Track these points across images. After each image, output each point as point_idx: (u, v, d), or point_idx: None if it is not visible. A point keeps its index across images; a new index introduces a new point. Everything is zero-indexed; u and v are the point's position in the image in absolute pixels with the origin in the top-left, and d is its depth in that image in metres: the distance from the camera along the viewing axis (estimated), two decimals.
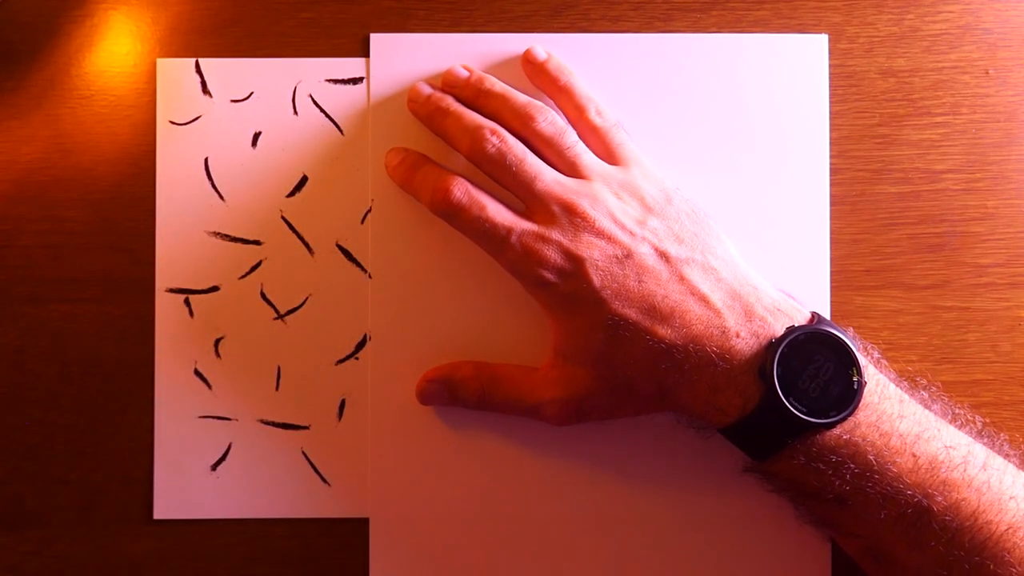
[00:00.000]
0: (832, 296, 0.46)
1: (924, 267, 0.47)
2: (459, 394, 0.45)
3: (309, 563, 0.46)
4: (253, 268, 0.46)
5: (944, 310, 0.47)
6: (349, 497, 0.46)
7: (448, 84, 0.46)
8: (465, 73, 0.45)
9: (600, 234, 0.41)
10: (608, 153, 0.44)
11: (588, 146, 0.44)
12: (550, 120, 0.43)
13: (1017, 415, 0.47)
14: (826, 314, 0.46)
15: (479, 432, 0.46)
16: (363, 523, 0.46)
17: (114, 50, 0.47)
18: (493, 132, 0.43)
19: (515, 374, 0.44)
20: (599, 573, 0.46)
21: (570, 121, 0.45)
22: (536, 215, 0.42)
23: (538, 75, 0.46)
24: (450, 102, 0.45)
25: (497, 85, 0.45)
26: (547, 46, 0.46)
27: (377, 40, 0.47)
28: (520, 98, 0.44)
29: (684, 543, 0.46)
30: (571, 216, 0.41)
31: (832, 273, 0.46)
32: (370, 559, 0.46)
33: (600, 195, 0.42)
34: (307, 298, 0.46)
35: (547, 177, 0.42)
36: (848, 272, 0.47)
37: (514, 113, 0.44)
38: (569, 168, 0.43)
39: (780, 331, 0.40)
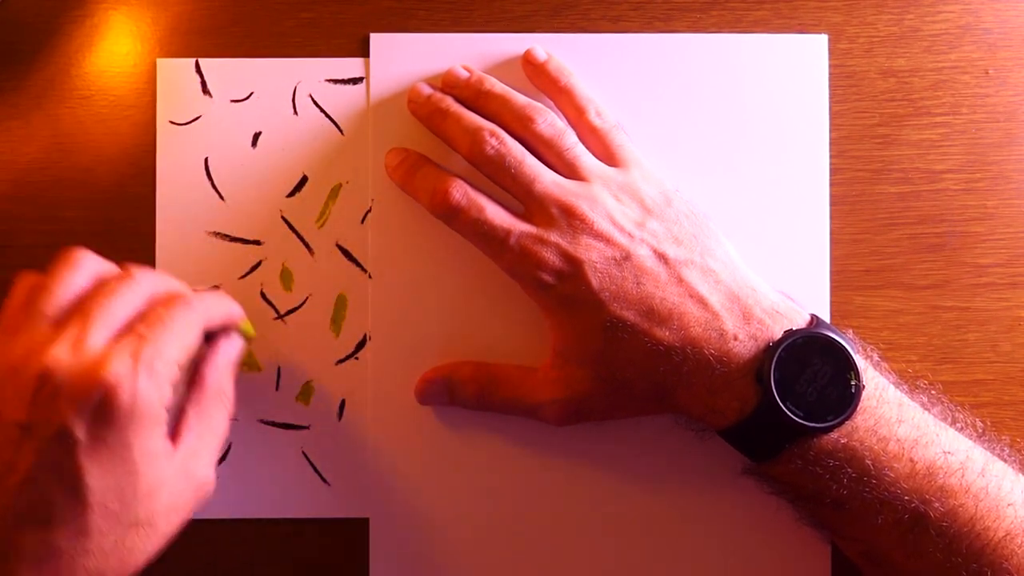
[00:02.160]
0: (832, 296, 0.46)
1: (924, 267, 0.47)
2: (459, 394, 0.45)
3: (309, 563, 0.46)
4: (253, 268, 0.46)
5: (944, 310, 0.47)
6: (349, 497, 0.46)
7: (448, 84, 0.46)
8: (465, 74, 0.45)
9: (599, 236, 0.41)
10: (608, 154, 0.44)
11: (587, 147, 0.44)
12: (549, 122, 0.43)
13: (1017, 415, 0.47)
14: (826, 314, 0.46)
15: (479, 432, 0.46)
16: (363, 523, 0.46)
17: (114, 50, 0.47)
18: (492, 134, 0.43)
19: (514, 374, 0.44)
20: (599, 573, 0.46)
21: (570, 122, 0.45)
22: (535, 217, 0.42)
23: (538, 76, 0.46)
24: (450, 103, 0.45)
25: (497, 86, 0.45)
26: (547, 46, 0.46)
27: (377, 40, 0.47)
28: (520, 99, 0.44)
29: (684, 543, 0.46)
30: (570, 218, 0.41)
31: (832, 273, 0.46)
32: (370, 559, 0.46)
33: (599, 197, 0.42)
34: (307, 298, 0.46)
35: (546, 179, 0.42)
36: (848, 272, 0.47)
37: (513, 114, 0.44)
38: (568, 170, 0.43)
39: (778, 334, 0.40)
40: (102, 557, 0.36)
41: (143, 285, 0.38)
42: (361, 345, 0.46)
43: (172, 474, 0.37)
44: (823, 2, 0.47)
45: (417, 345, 0.46)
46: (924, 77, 0.47)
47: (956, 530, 0.39)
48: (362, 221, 0.47)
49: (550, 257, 0.41)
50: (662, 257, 0.41)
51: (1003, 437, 0.43)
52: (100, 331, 0.36)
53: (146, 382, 0.35)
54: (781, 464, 0.40)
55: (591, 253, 0.41)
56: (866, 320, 0.47)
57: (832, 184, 0.47)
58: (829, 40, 0.47)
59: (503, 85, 0.45)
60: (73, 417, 0.34)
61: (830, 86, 0.47)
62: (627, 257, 0.41)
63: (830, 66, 0.47)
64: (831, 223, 0.47)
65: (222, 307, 0.41)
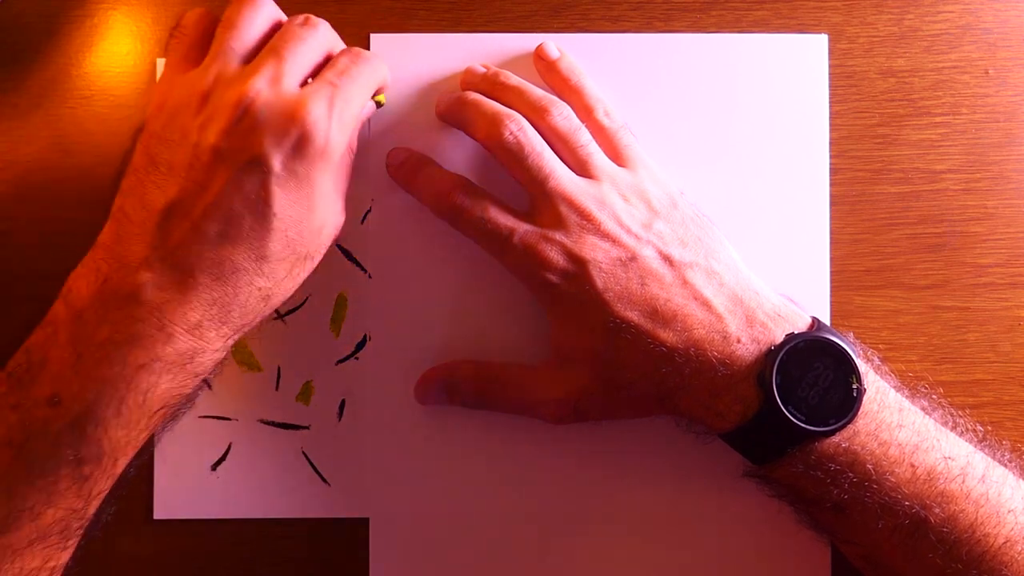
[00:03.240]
0: (832, 296, 0.46)
1: (924, 267, 0.47)
2: (458, 393, 0.45)
3: (309, 563, 0.46)
4: None
5: (944, 310, 0.47)
6: (349, 497, 0.46)
7: (466, 82, 0.46)
8: (482, 70, 0.45)
9: (605, 236, 0.41)
10: (615, 154, 0.44)
11: None
12: (565, 115, 0.43)
13: (1017, 415, 0.47)
14: (826, 314, 0.46)
15: (479, 432, 0.46)
16: (363, 523, 0.46)
17: (114, 50, 0.47)
18: (513, 120, 0.42)
19: (514, 373, 0.44)
20: (598, 573, 0.46)
21: None
22: (541, 213, 0.42)
23: (549, 72, 0.46)
24: (470, 93, 0.45)
25: (513, 78, 0.45)
26: None
27: (377, 40, 0.47)
28: (535, 92, 0.44)
29: (684, 544, 0.46)
30: (577, 217, 0.41)
31: (832, 273, 0.46)
32: (370, 559, 0.46)
33: (608, 197, 0.42)
34: (307, 298, 0.46)
35: (561, 176, 0.42)
36: (848, 272, 0.47)
37: (529, 106, 0.43)
38: (580, 166, 0.43)
39: (780, 338, 0.40)
40: (274, 281, 0.39)
41: (323, 34, 0.41)
42: (361, 345, 0.46)
43: (331, 214, 0.41)
44: (823, 2, 0.47)
45: (417, 345, 0.46)
46: (924, 77, 0.47)
47: (956, 536, 0.39)
48: (362, 221, 0.47)
49: (555, 256, 0.41)
50: (667, 259, 0.41)
51: (1004, 442, 0.43)
52: (294, 73, 0.39)
53: (337, 128, 0.39)
54: (782, 467, 0.40)
55: (596, 253, 0.41)
56: (866, 320, 0.47)
57: (832, 184, 0.47)
58: (829, 40, 0.47)
59: (519, 78, 0.45)
60: (271, 148, 0.37)
61: (830, 86, 0.47)
62: (633, 258, 0.41)
63: (830, 66, 0.47)
64: (831, 223, 0.47)
65: (385, 71, 0.43)
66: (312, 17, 0.41)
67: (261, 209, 0.37)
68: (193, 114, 0.38)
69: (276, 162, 0.37)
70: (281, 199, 0.38)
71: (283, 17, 0.42)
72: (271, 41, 0.40)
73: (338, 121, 0.39)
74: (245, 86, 0.38)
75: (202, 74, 0.39)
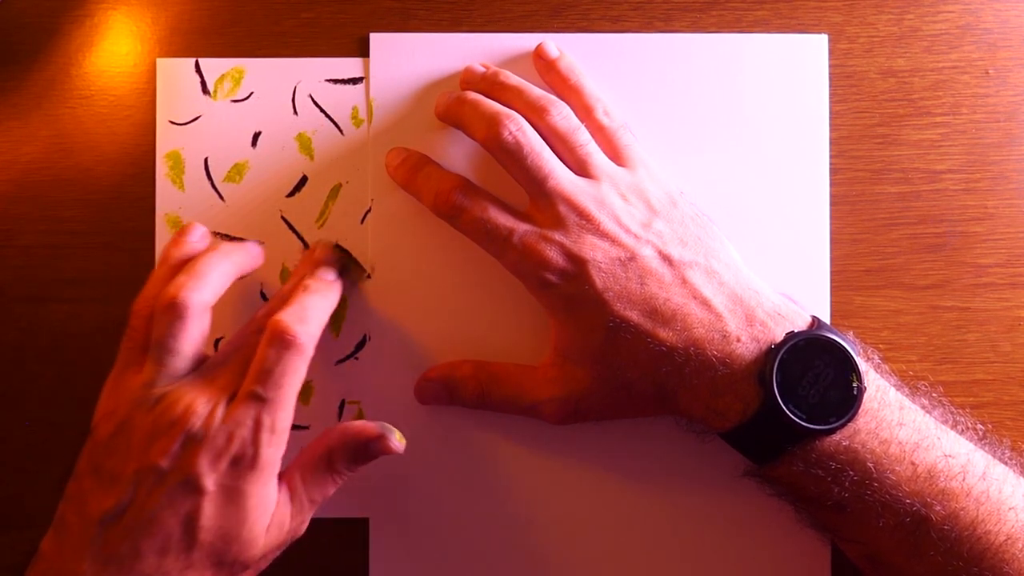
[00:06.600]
0: (832, 296, 0.46)
1: (924, 267, 0.47)
2: (458, 393, 0.45)
3: (309, 563, 0.46)
4: None
5: (944, 310, 0.47)
6: (349, 497, 0.46)
7: (465, 81, 0.46)
8: (482, 69, 0.45)
9: (604, 236, 0.41)
10: (614, 154, 0.44)
11: None
12: (564, 115, 0.43)
13: (1017, 415, 0.47)
14: (826, 314, 0.46)
15: (479, 432, 0.46)
16: (363, 523, 0.46)
17: (114, 50, 0.47)
18: (512, 119, 0.42)
19: (514, 373, 0.44)
20: (598, 573, 0.46)
21: None
22: (541, 213, 0.42)
23: (548, 72, 0.46)
24: (469, 92, 0.44)
25: (512, 78, 0.45)
26: None
27: (377, 40, 0.47)
28: (535, 91, 0.44)
29: (684, 544, 0.46)
30: (576, 217, 0.41)
31: (832, 273, 0.46)
32: (370, 559, 0.46)
33: (607, 197, 0.42)
34: None
35: (560, 176, 0.42)
36: (848, 272, 0.47)
37: (528, 105, 0.43)
38: (579, 166, 0.43)
39: (780, 336, 0.40)
40: None
41: (302, 357, 0.39)
42: (361, 345, 0.46)
43: (275, 525, 0.40)
44: (823, 2, 0.47)
45: (417, 345, 0.46)
46: (924, 77, 0.47)
47: (957, 534, 0.39)
48: (362, 221, 0.47)
49: (554, 256, 0.41)
50: (667, 258, 0.41)
51: (1004, 440, 0.43)
52: (232, 385, 0.39)
53: (270, 440, 0.38)
54: (783, 466, 0.40)
55: (596, 253, 0.41)
56: (866, 320, 0.47)
57: (832, 184, 0.47)
58: (829, 40, 0.47)
59: (518, 78, 0.45)
60: (206, 468, 0.37)
61: (830, 86, 0.47)
62: (632, 258, 0.41)
63: (830, 66, 0.47)
64: (831, 223, 0.47)
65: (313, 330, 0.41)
66: (288, 332, 0.39)
67: (192, 525, 0.37)
68: (137, 427, 0.38)
69: (209, 481, 0.37)
70: (211, 515, 0.38)
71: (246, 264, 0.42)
72: (231, 354, 0.40)
73: (270, 433, 0.38)
74: (188, 406, 0.38)
75: (148, 384, 0.39)
